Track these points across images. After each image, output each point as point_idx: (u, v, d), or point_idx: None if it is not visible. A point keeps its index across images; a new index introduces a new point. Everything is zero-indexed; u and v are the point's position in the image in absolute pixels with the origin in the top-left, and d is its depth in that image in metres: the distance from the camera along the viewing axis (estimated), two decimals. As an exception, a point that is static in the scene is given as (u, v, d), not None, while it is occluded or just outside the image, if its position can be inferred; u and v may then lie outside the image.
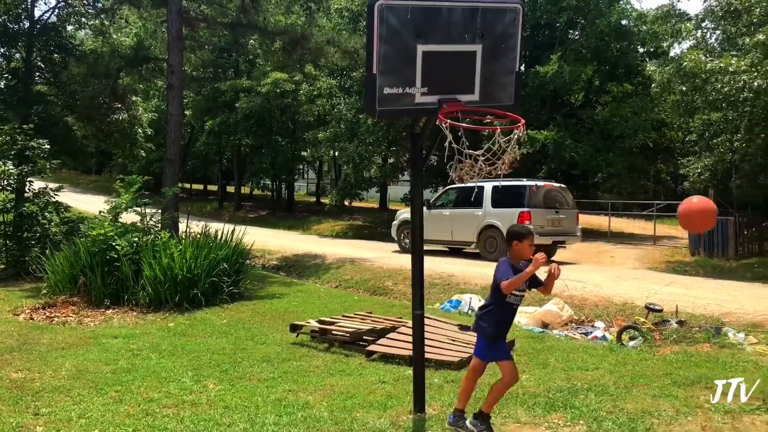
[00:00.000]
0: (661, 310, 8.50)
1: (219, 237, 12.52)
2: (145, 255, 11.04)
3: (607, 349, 7.57)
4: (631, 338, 7.90)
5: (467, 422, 4.74)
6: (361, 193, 30.08)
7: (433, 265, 15.33)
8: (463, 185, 17.77)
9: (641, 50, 26.80)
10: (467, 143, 4.28)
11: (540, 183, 16.93)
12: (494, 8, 4.52)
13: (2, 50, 19.62)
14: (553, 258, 18.00)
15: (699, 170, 20.45)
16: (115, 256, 11.07)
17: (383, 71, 4.27)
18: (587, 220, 30.10)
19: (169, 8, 16.31)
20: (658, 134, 26.42)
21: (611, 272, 15.54)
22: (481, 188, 16.92)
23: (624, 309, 10.13)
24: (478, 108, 4.61)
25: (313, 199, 44.37)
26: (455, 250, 18.27)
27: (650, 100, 24.19)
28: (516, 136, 4.29)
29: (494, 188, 16.78)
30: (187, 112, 35.75)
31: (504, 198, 16.54)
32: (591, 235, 25.13)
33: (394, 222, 19.88)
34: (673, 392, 5.74)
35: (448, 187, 18.75)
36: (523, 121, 4.35)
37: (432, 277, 14.06)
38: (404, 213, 19.74)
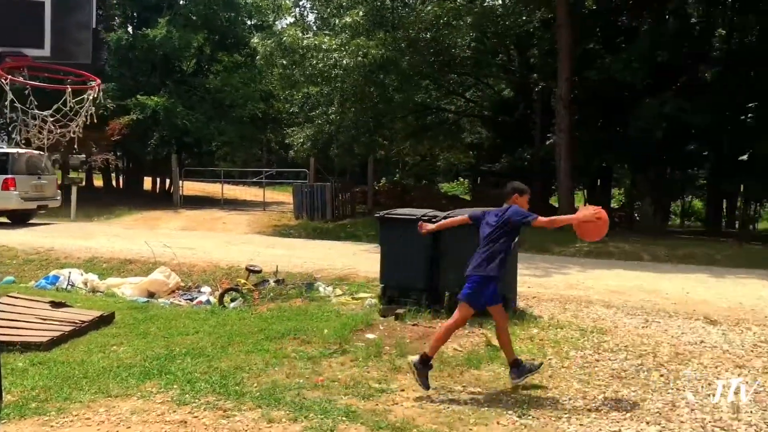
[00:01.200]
0: (260, 271, 9.00)
1: None
2: None
3: (210, 313, 7.75)
4: (233, 300, 8.22)
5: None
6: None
7: (27, 239, 13.91)
8: None
9: (249, 22, 27.62)
10: (36, 103, 3.90)
11: (21, 150, 16.91)
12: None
13: None
14: (31, 221, 18.22)
15: (302, 140, 22.01)
16: None
17: None
18: (203, 187, 30.42)
19: None
20: (267, 105, 27.67)
21: (222, 238, 15.94)
22: None
23: (230, 272, 10.48)
24: (50, 64, 4.22)
25: None
26: None
27: (258, 71, 25.15)
28: (91, 97, 4.05)
29: None
30: None
31: None
32: (206, 202, 25.44)
33: None
34: (265, 346, 6.14)
35: None
36: (98, 80, 4.12)
37: (27, 252, 12.75)
38: None
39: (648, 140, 17.47)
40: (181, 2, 26.41)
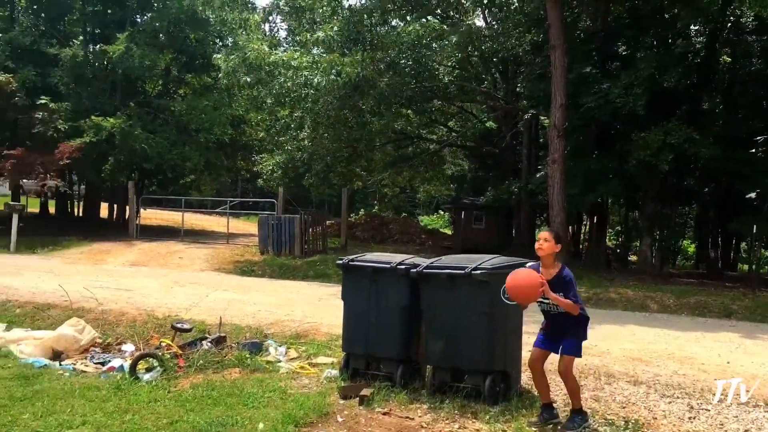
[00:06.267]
0: (189, 330, 7.12)
1: None
2: None
3: (115, 388, 5.83)
4: (149, 369, 6.31)
5: None
6: None
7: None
8: None
9: (219, 43, 25.93)
10: None
11: None
12: None
13: None
14: None
15: (271, 168, 20.26)
16: None
17: None
18: (170, 216, 28.44)
19: None
20: (237, 131, 25.91)
21: (171, 276, 14.01)
22: None
23: (164, 324, 8.55)
24: None
25: None
26: None
27: (228, 94, 23.44)
28: None
29: None
30: None
31: None
32: (165, 233, 23.43)
33: None
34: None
35: None
36: None
37: None
38: None
39: (649, 173, 15.95)
40: (145, 18, 24.66)
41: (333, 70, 14.24)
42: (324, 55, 14.94)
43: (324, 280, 14.43)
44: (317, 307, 10.23)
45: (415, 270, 5.61)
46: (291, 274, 15.48)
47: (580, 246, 24.06)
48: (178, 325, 6.91)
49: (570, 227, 25.58)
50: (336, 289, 12.14)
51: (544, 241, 4.90)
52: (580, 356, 4.96)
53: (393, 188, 34.75)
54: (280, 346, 7.40)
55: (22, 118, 21.99)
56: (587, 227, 23.83)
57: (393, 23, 19.44)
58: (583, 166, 16.69)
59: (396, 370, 5.74)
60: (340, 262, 6.07)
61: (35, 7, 25.13)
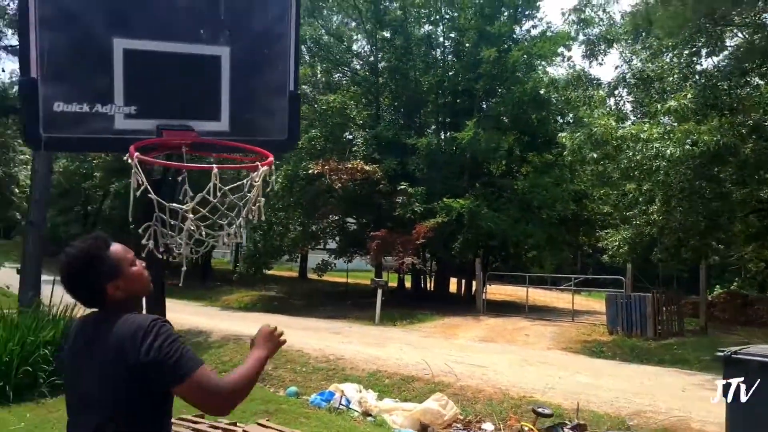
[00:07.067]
0: (550, 415, 6.97)
1: (55, 312, 10.52)
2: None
3: (481, 470, 5.95)
4: (512, 454, 6.31)
5: None
6: (271, 262, 28.09)
7: (324, 344, 13.63)
8: None
9: (560, 120, 26.29)
10: (191, 194, 2.67)
11: None
12: (250, -7, 3.04)
13: None
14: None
15: (617, 243, 19.49)
16: None
17: (52, 75, 2.68)
18: (513, 291, 29.07)
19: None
20: (579, 206, 25.66)
21: (520, 354, 14.08)
22: None
23: (520, 405, 8.58)
24: (230, 142, 3.04)
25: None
26: None
27: (569, 170, 23.49)
28: (259, 181, 2.70)
29: None
30: (96, 174, 33.79)
31: None
32: (510, 308, 23.86)
33: None
34: None
35: None
36: (271, 157, 2.78)
37: (318, 359, 12.34)
38: None
39: None
40: (489, 103, 26.18)
41: (688, 140, 13.33)
42: (676, 124, 14.12)
43: (683, 367, 13.15)
44: (682, 398, 9.32)
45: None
46: (644, 358, 14.46)
47: None
48: (539, 410, 6.83)
49: None
50: (700, 379, 11.07)
51: None
52: None
53: (757, 263, 30.91)
54: (646, 440, 6.86)
55: (385, 203, 24.75)
56: None
57: (754, 83, 17.70)
58: None
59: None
60: (723, 353, 5.44)
61: (396, 104, 28.47)
